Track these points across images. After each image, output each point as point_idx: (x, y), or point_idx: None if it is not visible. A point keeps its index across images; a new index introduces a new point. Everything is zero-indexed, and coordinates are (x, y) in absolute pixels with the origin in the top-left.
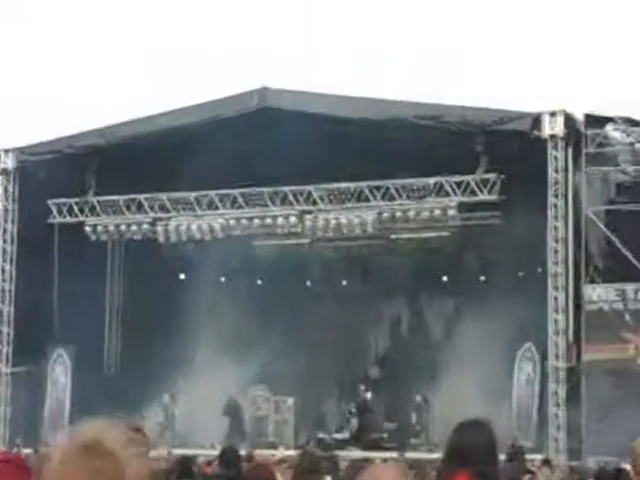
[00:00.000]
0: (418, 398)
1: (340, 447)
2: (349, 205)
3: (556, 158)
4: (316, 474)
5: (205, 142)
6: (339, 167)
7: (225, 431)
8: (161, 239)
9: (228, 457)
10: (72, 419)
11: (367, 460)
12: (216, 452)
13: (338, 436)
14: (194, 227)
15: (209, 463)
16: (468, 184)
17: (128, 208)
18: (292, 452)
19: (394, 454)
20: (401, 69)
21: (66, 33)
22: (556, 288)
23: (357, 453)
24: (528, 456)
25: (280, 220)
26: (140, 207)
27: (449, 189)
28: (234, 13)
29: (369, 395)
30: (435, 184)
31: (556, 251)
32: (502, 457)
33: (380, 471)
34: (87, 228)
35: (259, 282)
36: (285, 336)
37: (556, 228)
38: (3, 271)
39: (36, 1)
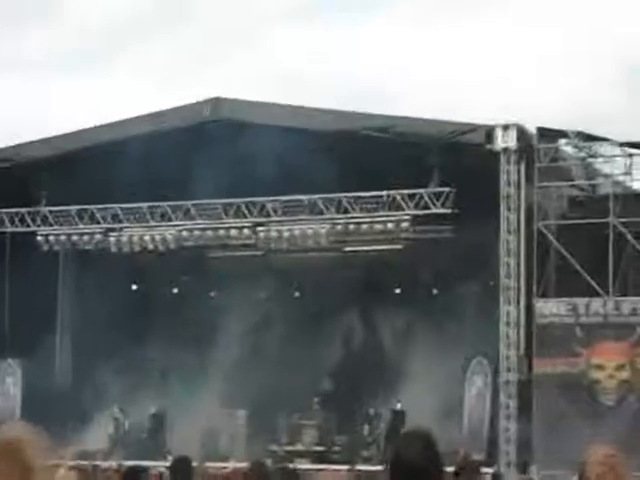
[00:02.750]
0: (371, 411)
1: (292, 460)
2: (302, 217)
3: (508, 172)
4: None
5: (157, 152)
6: (292, 179)
7: (144, 439)
8: (113, 250)
9: (180, 468)
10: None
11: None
12: (168, 464)
13: (290, 448)
14: (147, 238)
15: (160, 475)
16: (421, 197)
17: (80, 218)
18: (244, 465)
19: (345, 467)
20: (353, 80)
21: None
22: (508, 302)
23: (309, 466)
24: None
25: (233, 232)
26: (92, 217)
27: (402, 202)
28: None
29: (321, 408)
30: (388, 197)
31: (508, 265)
32: (450, 469)
33: None
34: (39, 238)
35: (212, 294)
36: (237, 348)
37: (508, 242)
38: None
39: None
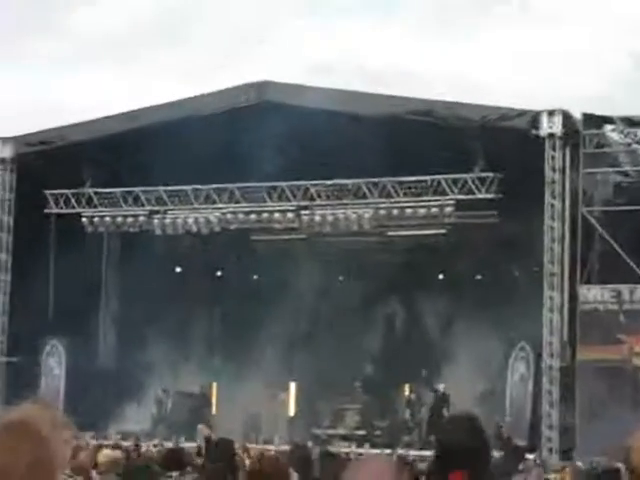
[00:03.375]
0: (412, 395)
1: (334, 443)
2: (346, 201)
3: (553, 157)
4: (308, 468)
5: (203, 135)
6: (337, 163)
7: (187, 419)
8: (158, 232)
9: (222, 448)
10: (65, 410)
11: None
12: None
13: (332, 432)
14: (191, 220)
15: (199, 453)
16: (465, 182)
17: (125, 200)
18: (286, 447)
19: (387, 451)
20: (400, 65)
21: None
22: (552, 288)
23: (350, 449)
24: None
25: (277, 215)
26: (137, 200)
27: (446, 187)
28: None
29: (363, 392)
30: (432, 182)
31: (552, 251)
32: (498, 454)
33: (368, 465)
34: (84, 219)
35: (255, 277)
36: (280, 331)
37: (552, 228)
38: None
39: None
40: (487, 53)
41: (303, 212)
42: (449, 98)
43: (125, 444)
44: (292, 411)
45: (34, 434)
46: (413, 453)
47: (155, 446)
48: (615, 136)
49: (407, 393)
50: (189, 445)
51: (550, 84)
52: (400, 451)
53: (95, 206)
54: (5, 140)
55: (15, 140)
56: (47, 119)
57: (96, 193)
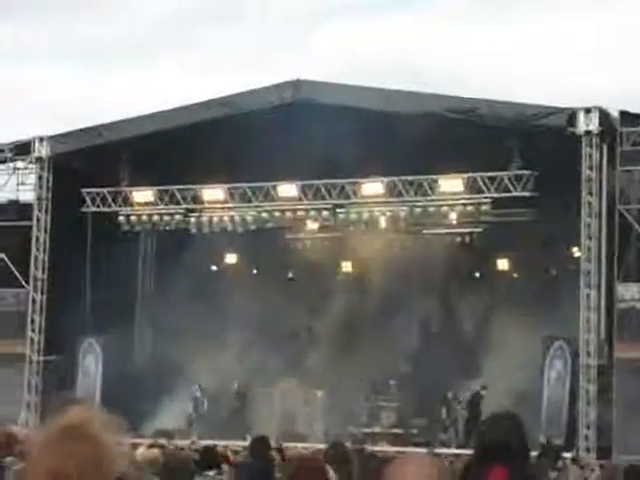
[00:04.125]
0: (449, 394)
1: (370, 441)
2: (382, 200)
3: (590, 155)
4: (345, 466)
5: (238, 134)
6: (373, 161)
7: (224, 417)
8: (193, 230)
9: (259, 447)
10: (102, 408)
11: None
12: (246, 443)
13: (368, 430)
14: (226, 219)
15: (236, 452)
16: (502, 180)
17: (161, 199)
18: (322, 445)
19: (423, 449)
20: (436, 63)
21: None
22: (589, 286)
23: (386, 448)
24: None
25: (312, 213)
26: (173, 198)
27: (482, 185)
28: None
29: (399, 390)
30: (469, 180)
31: (589, 248)
32: (534, 453)
33: (410, 464)
34: (120, 218)
35: (290, 275)
36: (315, 329)
37: (589, 225)
38: (36, 260)
39: None
40: (519, 46)
41: (338, 210)
42: (482, 95)
43: (161, 442)
44: (327, 409)
45: (88, 437)
46: (450, 452)
47: (193, 443)
48: None
49: (443, 391)
50: (224, 444)
51: (585, 80)
52: (436, 450)
53: (131, 205)
54: (42, 139)
55: (52, 139)
56: (84, 118)
57: (132, 192)
